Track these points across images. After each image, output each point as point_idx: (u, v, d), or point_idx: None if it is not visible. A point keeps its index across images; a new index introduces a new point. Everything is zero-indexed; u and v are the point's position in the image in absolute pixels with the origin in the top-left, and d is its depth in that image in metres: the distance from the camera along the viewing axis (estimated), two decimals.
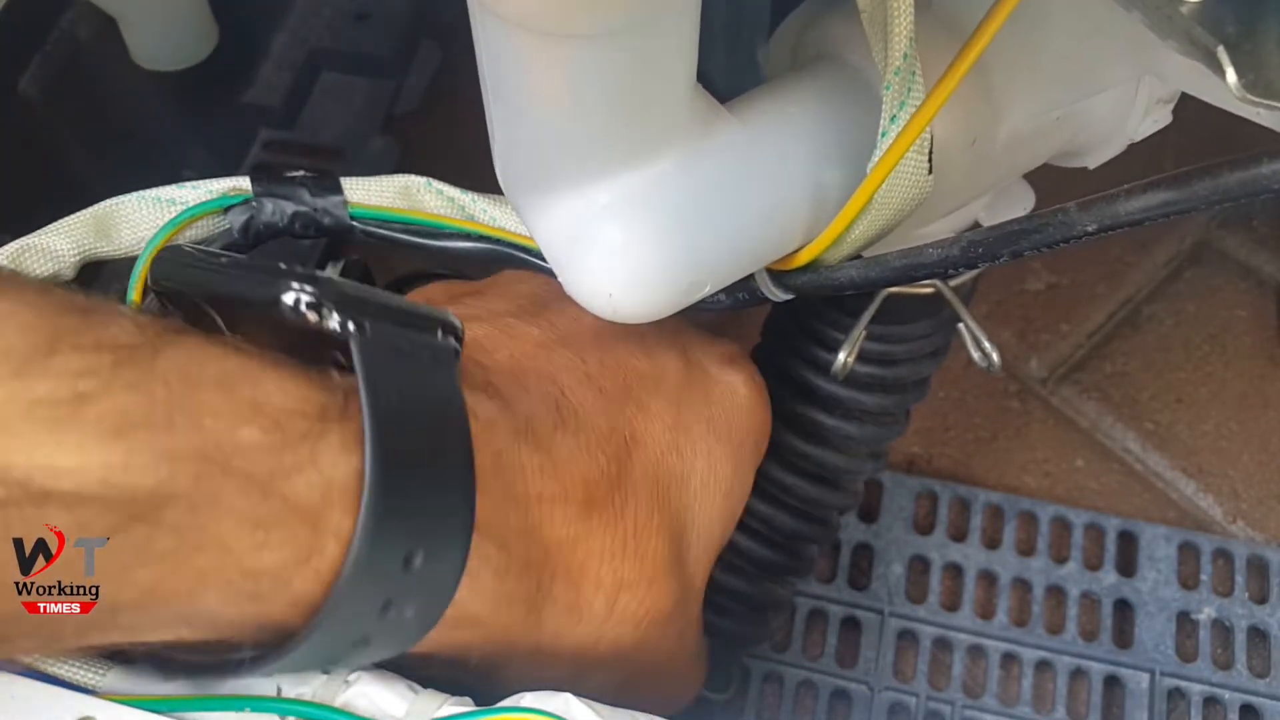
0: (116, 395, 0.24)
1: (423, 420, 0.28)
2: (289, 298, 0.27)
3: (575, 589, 0.33)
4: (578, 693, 0.30)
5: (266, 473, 0.25)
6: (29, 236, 0.36)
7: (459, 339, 0.31)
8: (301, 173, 0.37)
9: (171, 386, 0.24)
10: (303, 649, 0.27)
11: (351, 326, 0.28)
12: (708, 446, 0.37)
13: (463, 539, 0.29)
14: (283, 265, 0.28)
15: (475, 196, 0.38)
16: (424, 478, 0.28)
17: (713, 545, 0.38)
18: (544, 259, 0.36)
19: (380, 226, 0.38)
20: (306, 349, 0.28)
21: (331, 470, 0.26)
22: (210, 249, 0.32)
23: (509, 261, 0.38)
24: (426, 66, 0.79)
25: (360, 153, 0.76)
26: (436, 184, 0.38)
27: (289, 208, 0.37)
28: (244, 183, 0.37)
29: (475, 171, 0.33)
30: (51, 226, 0.36)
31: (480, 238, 0.38)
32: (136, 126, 0.70)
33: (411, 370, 0.29)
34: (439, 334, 0.30)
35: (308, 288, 0.28)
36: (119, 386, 0.24)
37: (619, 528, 0.34)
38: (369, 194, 0.37)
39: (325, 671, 0.30)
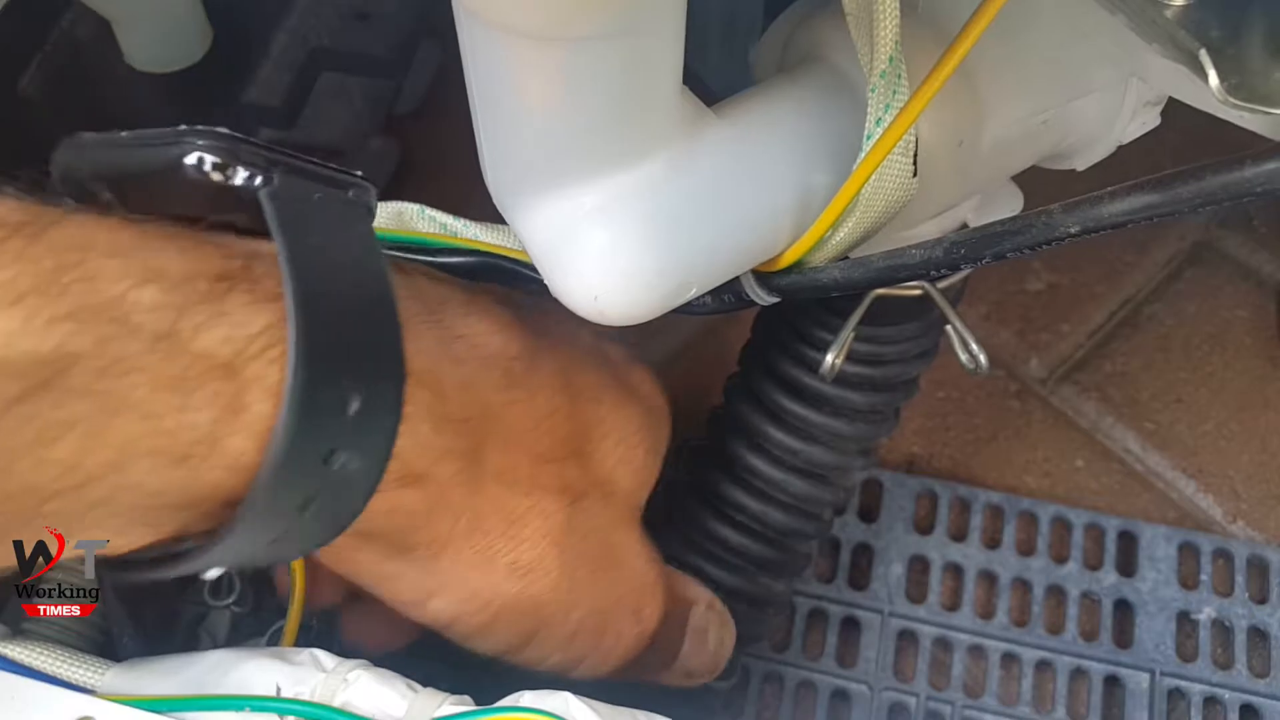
0: (4, 268, 0.23)
1: (343, 266, 0.28)
2: (192, 158, 0.27)
3: (505, 453, 0.33)
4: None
5: (172, 329, 0.25)
6: None
7: (372, 203, 0.31)
8: None
9: (62, 256, 0.24)
10: (249, 516, 0.26)
11: (259, 180, 0.27)
12: (616, 386, 0.39)
13: (397, 380, 0.28)
14: (183, 126, 0.28)
15: (467, 222, 0.38)
16: (350, 322, 0.27)
17: (636, 465, 0.39)
18: (532, 269, 0.36)
19: None
20: (219, 226, 0.28)
21: (243, 325, 0.26)
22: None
23: (498, 272, 0.38)
24: (426, 66, 0.79)
25: (360, 153, 0.76)
26: (429, 211, 0.38)
27: None
28: None
29: (475, 171, 0.34)
30: None
31: (469, 252, 0.38)
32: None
33: (326, 220, 0.28)
34: (350, 193, 0.30)
35: (211, 144, 0.27)
36: (6, 260, 0.23)
37: (533, 405, 0.35)
38: None
39: (272, 555, 0.29)
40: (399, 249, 0.38)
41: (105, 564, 0.28)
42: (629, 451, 0.38)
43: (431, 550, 0.33)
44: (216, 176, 0.27)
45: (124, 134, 0.28)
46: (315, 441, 0.26)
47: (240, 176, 0.27)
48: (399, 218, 0.38)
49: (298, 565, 0.39)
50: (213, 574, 0.29)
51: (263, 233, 0.27)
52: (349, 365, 0.27)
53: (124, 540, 0.27)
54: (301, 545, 0.29)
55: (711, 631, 0.45)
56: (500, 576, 0.35)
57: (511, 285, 0.38)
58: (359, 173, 0.31)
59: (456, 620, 0.35)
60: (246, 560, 0.29)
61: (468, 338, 0.33)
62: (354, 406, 0.27)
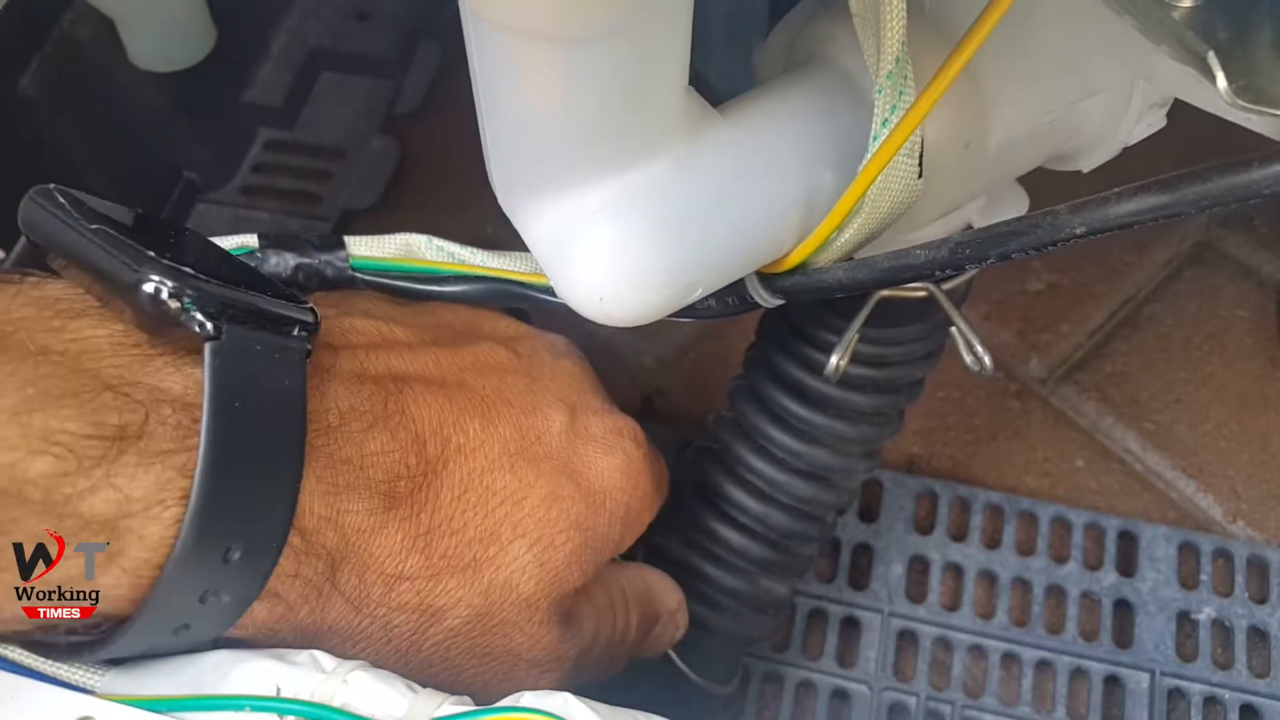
0: None
1: (259, 424, 0.30)
2: (149, 287, 0.29)
3: (359, 577, 0.34)
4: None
5: (61, 498, 0.27)
6: None
7: (312, 334, 0.32)
8: (309, 236, 0.39)
9: None
10: (125, 637, 0.29)
11: (209, 327, 0.29)
12: (554, 483, 0.38)
13: (280, 536, 0.31)
14: (150, 252, 0.29)
15: (475, 250, 0.39)
16: (251, 483, 0.30)
17: (551, 564, 0.38)
18: (544, 292, 0.36)
19: (380, 276, 0.38)
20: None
21: (128, 487, 0.28)
22: (82, 198, 0.32)
23: (508, 298, 0.38)
24: (426, 66, 0.79)
25: (360, 153, 0.76)
26: (437, 240, 0.39)
27: (291, 260, 0.38)
28: (251, 239, 0.38)
29: (475, 171, 0.34)
30: None
31: (478, 279, 0.38)
32: (136, 126, 0.69)
33: (257, 374, 0.30)
34: (296, 332, 0.32)
35: (168, 282, 0.29)
36: None
37: (414, 524, 0.35)
38: (371, 248, 0.38)
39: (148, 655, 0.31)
40: (406, 279, 0.39)
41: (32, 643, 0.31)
42: (543, 553, 0.37)
43: (276, 642, 0.34)
44: (173, 306, 0.29)
45: (92, 229, 0.30)
46: (195, 585, 0.29)
47: (194, 320, 0.29)
48: (407, 248, 0.39)
49: None
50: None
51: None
52: (240, 524, 0.29)
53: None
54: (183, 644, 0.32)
55: (666, 638, 0.46)
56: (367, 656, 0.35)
57: (523, 306, 0.39)
58: (309, 304, 0.33)
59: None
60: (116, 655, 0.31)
61: (355, 462, 0.34)
62: (235, 556, 0.29)
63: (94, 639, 0.30)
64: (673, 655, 0.48)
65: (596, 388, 0.41)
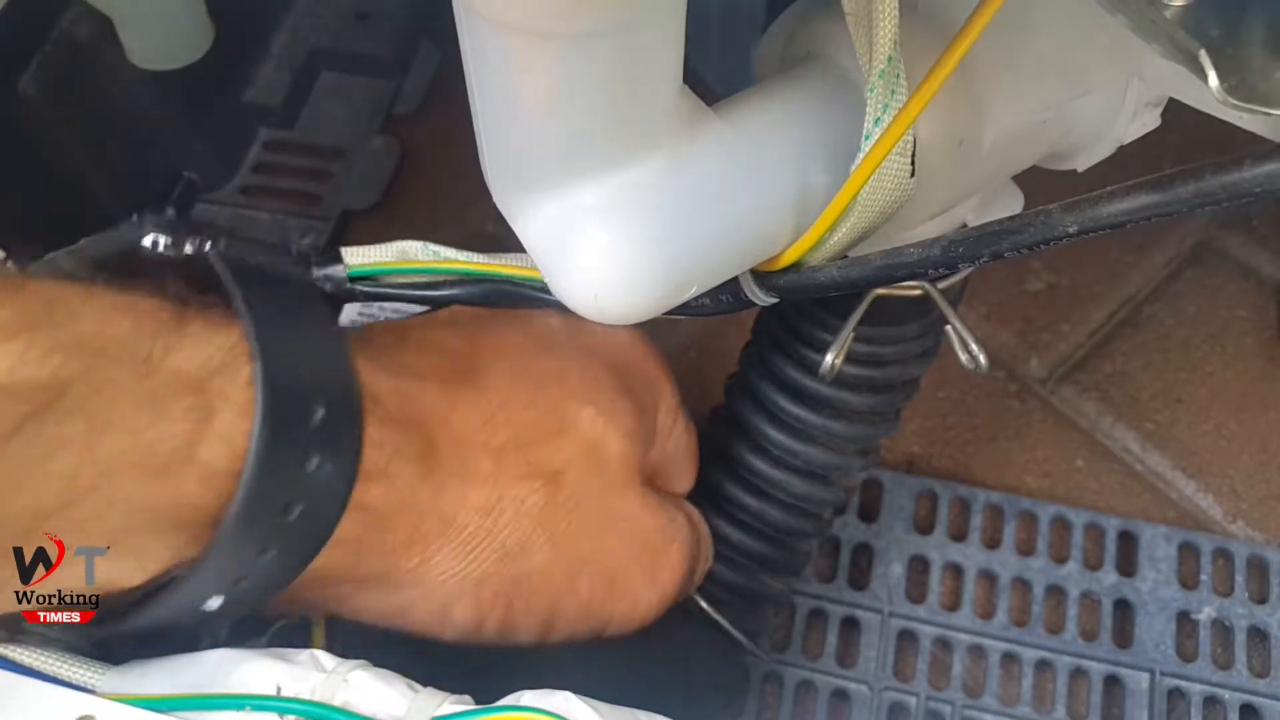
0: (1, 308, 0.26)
1: (287, 301, 0.32)
2: (148, 240, 0.31)
3: (459, 454, 0.35)
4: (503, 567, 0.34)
5: (145, 353, 0.28)
6: None
7: (309, 273, 0.36)
8: (311, 252, 0.39)
9: (45, 296, 0.27)
10: (234, 525, 0.29)
11: (207, 245, 0.32)
12: (580, 360, 0.40)
13: (352, 389, 0.32)
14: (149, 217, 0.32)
15: (470, 255, 0.39)
16: (301, 345, 0.31)
17: (620, 424, 0.40)
18: (541, 290, 0.36)
19: (379, 283, 0.39)
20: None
21: (205, 345, 0.29)
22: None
23: (506, 298, 0.39)
24: (426, 66, 0.79)
25: (360, 153, 0.76)
26: (433, 246, 0.39)
27: None
28: None
29: (475, 171, 0.34)
30: None
31: (476, 280, 0.39)
32: (136, 126, 0.70)
33: (268, 271, 0.33)
34: (288, 261, 0.35)
35: (162, 227, 0.32)
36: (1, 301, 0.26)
37: (484, 402, 0.37)
38: (366, 256, 0.38)
39: (263, 573, 0.31)
40: (406, 287, 0.39)
41: (95, 621, 0.31)
42: (611, 419, 0.39)
43: (416, 562, 0.35)
44: (170, 252, 0.31)
45: (90, 238, 0.33)
46: (289, 448, 0.30)
47: (189, 247, 0.32)
48: (403, 255, 0.39)
49: None
50: (212, 605, 0.31)
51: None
52: (308, 380, 0.31)
53: (114, 569, 0.29)
54: (289, 561, 0.32)
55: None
56: (494, 564, 0.36)
57: (523, 307, 0.39)
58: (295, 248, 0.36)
59: (480, 622, 0.38)
60: (235, 582, 0.31)
61: (410, 345, 0.37)
62: (319, 415, 0.30)
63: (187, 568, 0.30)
64: (713, 613, 0.48)
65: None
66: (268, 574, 0.31)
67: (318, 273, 0.38)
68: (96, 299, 0.28)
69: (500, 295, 0.39)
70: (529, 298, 0.38)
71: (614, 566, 0.40)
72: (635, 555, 0.41)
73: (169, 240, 0.32)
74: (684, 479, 0.46)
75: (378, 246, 0.39)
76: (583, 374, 0.39)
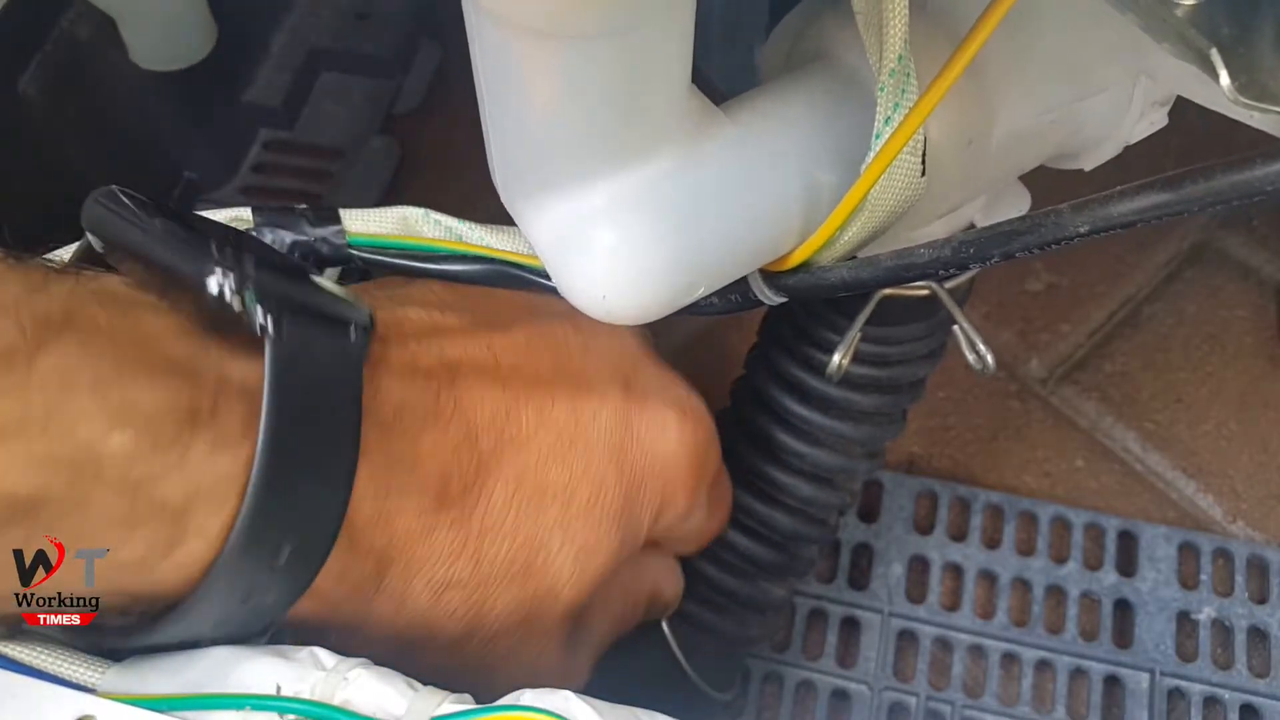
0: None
1: (317, 428, 0.30)
2: (213, 284, 0.28)
3: (406, 581, 0.34)
4: (403, 667, 0.31)
5: (136, 477, 0.27)
6: None
7: (369, 333, 0.32)
8: (303, 206, 0.38)
9: (48, 392, 0.25)
10: (167, 630, 0.29)
11: (270, 326, 0.29)
12: (601, 472, 0.37)
13: (330, 537, 0.30)
14: (213, 245, 0.29)
15: (472, 225, 0.38)
16: (305, 481, 0.29)
17: (591, 569, 0.38)
18: (542, 275, 0.36)
19: (378, 253, 0.38)
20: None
21: (198, 474, 0.27)
22: (144, 198, 0.32)
23: (506, 280, 0.38)
24: (426, 66, 0.79)
25: (360, 153, 0.76)
26: (434, 215, 0.38)
27: (287, 237, 0.37)
28: (245, 213, 0.38)
29: (475, 171, 0.33)
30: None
31: (477, 258, 0.38)
32: (136, 126, 0.69)
33: (317, 372, 0.30)
34: (352, 334, 0.31)
35: (232, 276, 0.29)
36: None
37: (464, 528, 0.35)
38: (367, 224, 0.38)
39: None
40: (404, 257, 0.38)
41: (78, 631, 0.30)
42: (586, 561, 0.37)
43: (312, 633, 0.34)
44: (235, 305, 0.29)
45: (156, 222, 0.30)
46: (239, 586, 0.29)
47: (256, 316, 0.29)
48: (404, 223, 0.38)
49: None
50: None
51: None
52: (291, 521, 0.29)
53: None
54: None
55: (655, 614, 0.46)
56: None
57: (522, 290, 0.38)
58: (366, 305, 0.32)
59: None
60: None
61: (408, 460, 0.33)
62: (283, 558, 0.29)
63: (140, 625, 0.30)
64: (679, 656, 0.48)
65: (653, 357, 0.41)
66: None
67: (315, 233, 0.37)
68: (99, 395, 0.26)
69: (500, 276, 0.38)
70: (530, 282, 0.38)
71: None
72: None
73: (233, 287, 0.29)
74: (690, 548, 0.45)
75: (378, 211, 0.38)
76: (589, 495, 0.37)
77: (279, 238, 0.37)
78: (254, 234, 0.37)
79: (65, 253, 0.36)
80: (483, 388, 0.36)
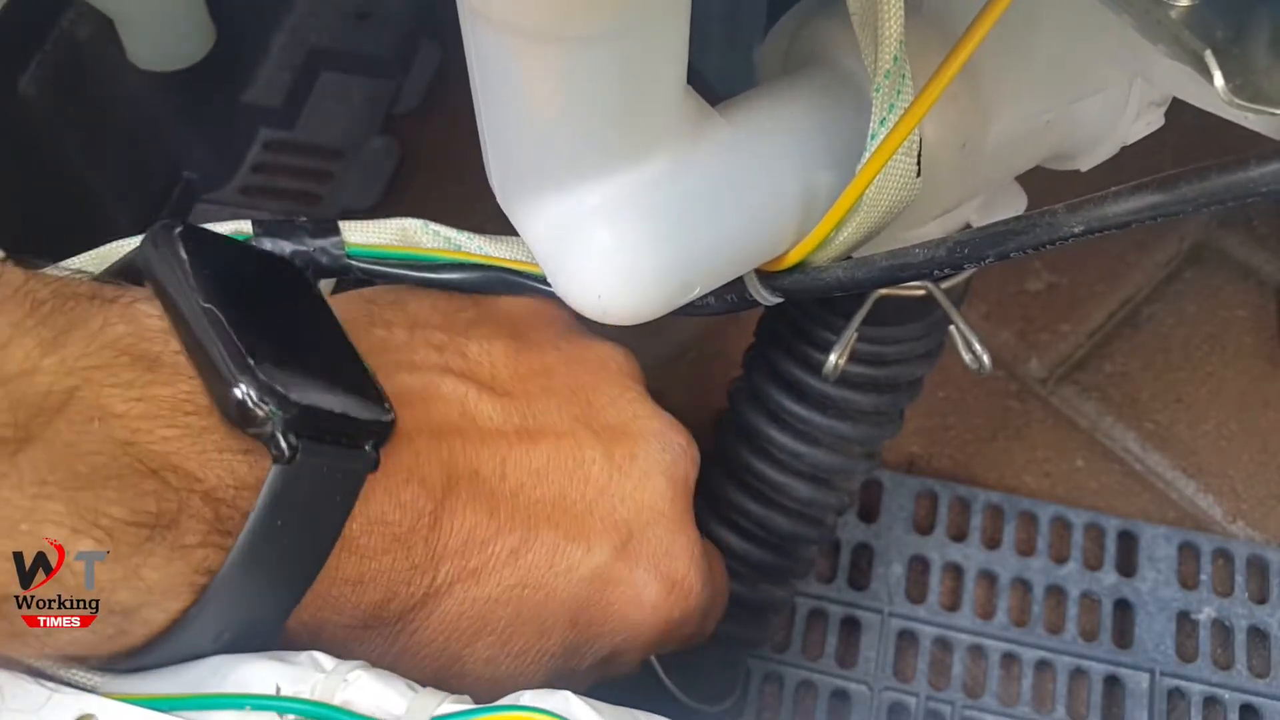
0: None
1: (290, 545, 0.30)
2: (238, 394, 0.29)
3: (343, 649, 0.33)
4: None
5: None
6: None
7: (382, 442, 0.32)
8: (303, 219, 0.38)
9: (23, 490, 0.26)
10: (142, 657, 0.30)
11: (285, 451, 0.29)
12: (551, 622, 0.37)
13: (265, 639, 0.31)
14: (249, 357, 0.29)
15: (471, 235, 0.38)
16: (259, 591, 0.30)
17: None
18: (540, 281, 0.36)
19: (377, 263, 0.38)
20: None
21: (151, 579, 0.28)
22: (208, 239, 0.33)
23: (505, 287, 0.38)
24: (426, 66, 0.79)
25: (360, 153, 0.76)
26: (433, 225, 0.38)
27: (287, 247, 0.38)
28: (245, 225, 0.38)
29: (475, 171, 0.34)
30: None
31: (475, 266, 0.38)
32: (136, 126, 0.69)
33: (313, 496, 0.30)
34: (366, 451, 0.31)
35: (255, 394, 0.29)
36: None
37: (388, 644, 0.34)
38: (366, 235, 0.38)
39: None
40: (403, 266, 0.38)
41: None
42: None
43: None
44: (256, 415, 0.29)
45: (204, 307, 0.30)
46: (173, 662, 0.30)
47: (270, 440, 0.29)
48: (403, 234, 0.38)
49: None
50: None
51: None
52: (233, 624, 0.30)
53: None
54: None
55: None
56: None
57: (520, 296, 0.38)
58: (389, 417, 0.32)
59: None
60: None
61: (353, 580, 0.33)
62: (222, 642, 0.30)
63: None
64: (661, 675, 0.47)
65: (672, 518, 0.38)
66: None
67: (314, 244, 0.38)
68: (68, 503, 0.27)
69: (499, 283, 0.38)
70: (528, 288, 0.38)
71: None
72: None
73: (256, 402, 0.29)
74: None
75: (377, 223, 0.38)
76: (529, 642, 0.36)
77: (278, 247, 0.38)
78: (253, 243, 0.37)
79: (86, 259, 0.36)
80: (471, 511, 0.35)
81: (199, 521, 0.29)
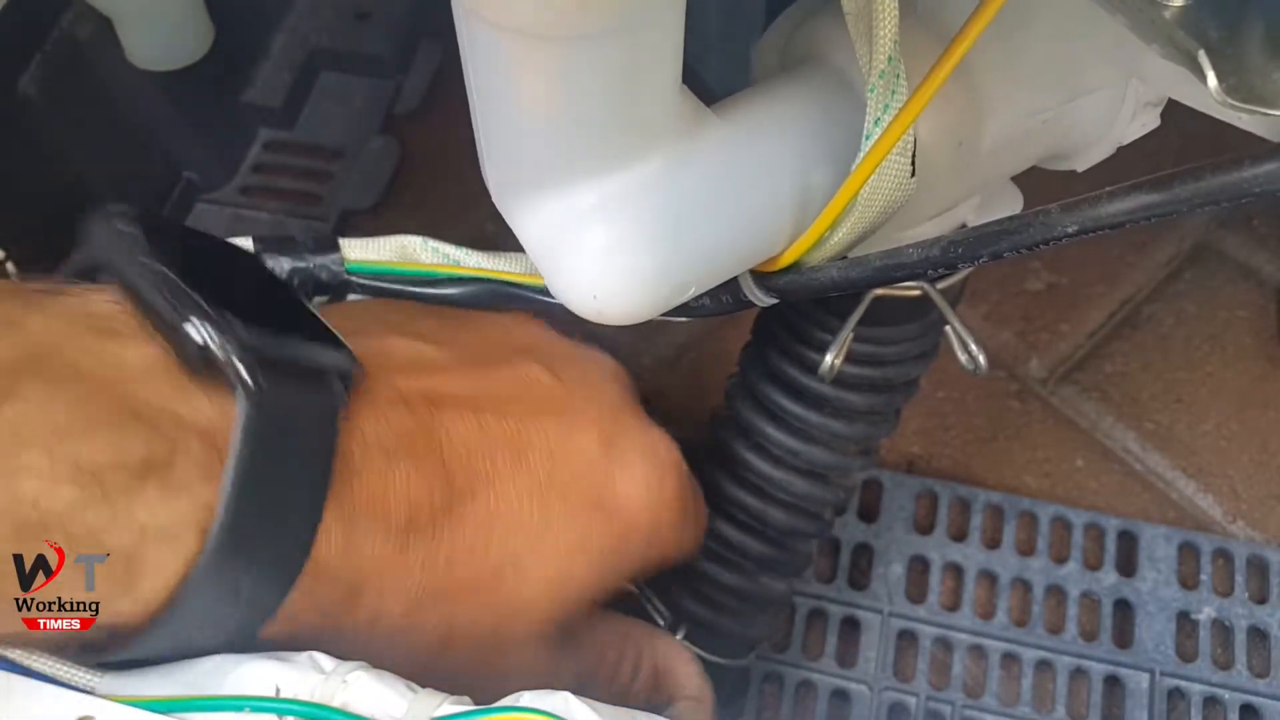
0: None
1: (283, 478, 0.30)
2: (195, 333, 0.29)
3: (378, 601, 0.34)
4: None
5: (83, 530, 0.27)
6: None
7: (349, 383, 0.32)
8: (308, 239, 0.39)
9: (2, 445, 0.26)
10: (131, 651, 0.30)
11: (247, 379, 0.29)
12: (581, 516, 0.38)
13: (293, 571, 0.31)
14: (198, 297, 0.29)
15: (469, 251, 0.39)
16: (269, 528, 0.30)
17: (565, 594, 0.38)
18: (538, 292, 0.36)
19: (376, 280, 0.39)
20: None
21: (148, 518, 0.28)
22: (150, 220, 0.33)
23: (504, 299, 0.38)
24: (426, 66, 0.79)
25: (360, 153, 0.76)
26: (432, 242, 0.39)
27: (287, 264, 0.38)
28: (246, 242, 0.38)
29: (475, 171, 0.34)
30: None
31: (473, 280, 0.38)
32: (136, 126, 0.70)
33: (291, 428, 0.31)
34: (333, 384, 0.32)
35: (214, 333, 0.29)
36: None
37: (434, 552, 0.35)
38: (365, 251, 0.38)
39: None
40: (402, 282, 0.39)
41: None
42: (563, 583, 0.37)
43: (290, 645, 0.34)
44: (216, 356, 0.29)
45: (147, 265, 0.30)
46: (199, 619, 0.30)
47: (233, 374, 0.29)
48: (402, 251, 0.39)
49: None
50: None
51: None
52: (252, 561, 0.30)
53: None
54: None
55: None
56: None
57: (518, 308, 0.39)
58: (351, 359, 0.33)
59: None
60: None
61: (376, 497, 0.33)
62: (245, 590, 0.30)
63: (102, 648, 0.30)
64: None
65: (635, 410, 0.41)
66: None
67: (314, 261, 0.38)
68: (50, 452, 0.27)
69: (498, 296, 0.39)
70: (528, 300, 0.38)
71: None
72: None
73: (216, 341, 0.29)
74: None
75: (377, 240, 0.39)
76: (566, 533, 0.37)
77: (279, 264, 0.38)
78: (257, 255, 0.38)
79: None
80: (461, 426, 0.36)
81: (197, 462, 0.29)
